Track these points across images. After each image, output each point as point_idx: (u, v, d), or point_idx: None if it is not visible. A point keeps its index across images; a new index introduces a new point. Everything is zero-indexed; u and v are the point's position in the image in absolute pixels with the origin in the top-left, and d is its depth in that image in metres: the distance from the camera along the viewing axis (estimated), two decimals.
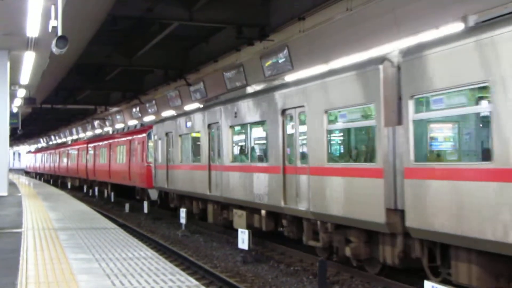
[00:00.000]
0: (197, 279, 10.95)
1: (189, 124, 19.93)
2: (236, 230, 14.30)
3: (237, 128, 16.28)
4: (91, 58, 27.06)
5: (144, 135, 27.70)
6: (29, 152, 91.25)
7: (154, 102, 36.74)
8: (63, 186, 48.76)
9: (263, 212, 14.58)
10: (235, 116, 15.76)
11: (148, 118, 37.35)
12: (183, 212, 19.00)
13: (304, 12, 17.75)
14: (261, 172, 14.26)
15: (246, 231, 13.55)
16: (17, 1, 14.35)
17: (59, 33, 13.02)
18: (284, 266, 13.28)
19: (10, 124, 24.38)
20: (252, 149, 15.51)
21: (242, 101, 15.59)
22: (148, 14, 19.42)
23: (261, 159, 14.95)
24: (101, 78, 34.03)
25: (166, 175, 22.48)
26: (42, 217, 15.10)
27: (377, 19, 15.14)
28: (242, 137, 16.24)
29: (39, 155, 74.53)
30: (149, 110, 37.88)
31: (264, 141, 14.71)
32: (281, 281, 11.83)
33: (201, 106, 20.30)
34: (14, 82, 24.87)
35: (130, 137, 30.58)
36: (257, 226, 15.10)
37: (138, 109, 40.14)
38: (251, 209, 15.21)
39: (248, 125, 15.42)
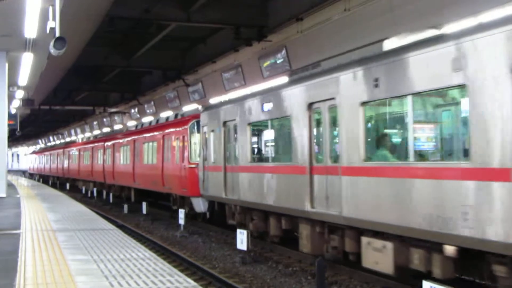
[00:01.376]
0: (195, 280, 10.97)
1: (267, 106, 14.07)
2: (235, 230, 14.12)
3: (377, 107, 10.45)
4: (89, 59, 27.08)
5: (185, 127, 21.31)
6: (33, 152, 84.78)
7: (152, 103, 36.80)
8: (71, 189, 45.79)
9: (448, 248, 8.51)
10: (376, 86, 9.85)
11: (147, 119, 37.32)
12: (181, 213, 18.96)
13: (302, 13, 17.79)
14: (445, 179, 8.38)
15: (245, 232, 13.45)
16: (15, 2, 14.35)
17: (57, 34, 13.06)
18: (283, 267, 13.27)
19: (8, 125, 24.36)
20: (416, 138, 9.40)
21: (393, 59, 9.52)
22: (146, 15, 19.45)
23: (444, 154, 9.30)
24: (99, 79, 34.05)
25: (223, 180, 16.73)
26: (40, 218, 15.08)
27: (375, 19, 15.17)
28: (393, 120, 10.26)
29: (44, 156, 65.93)
30: (148, 111, 37.94)
31: (452, 125, 9.20)
32: (280, 282, 11.83)
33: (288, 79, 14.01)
34: (12, 83, 24.85)
35: (163, 131, 24.10)
36: (420, 269, 9.21)
37: (136, 110, 40.19)
38: (404, 240, 9.51)
39: (410, 99, 9.13)
